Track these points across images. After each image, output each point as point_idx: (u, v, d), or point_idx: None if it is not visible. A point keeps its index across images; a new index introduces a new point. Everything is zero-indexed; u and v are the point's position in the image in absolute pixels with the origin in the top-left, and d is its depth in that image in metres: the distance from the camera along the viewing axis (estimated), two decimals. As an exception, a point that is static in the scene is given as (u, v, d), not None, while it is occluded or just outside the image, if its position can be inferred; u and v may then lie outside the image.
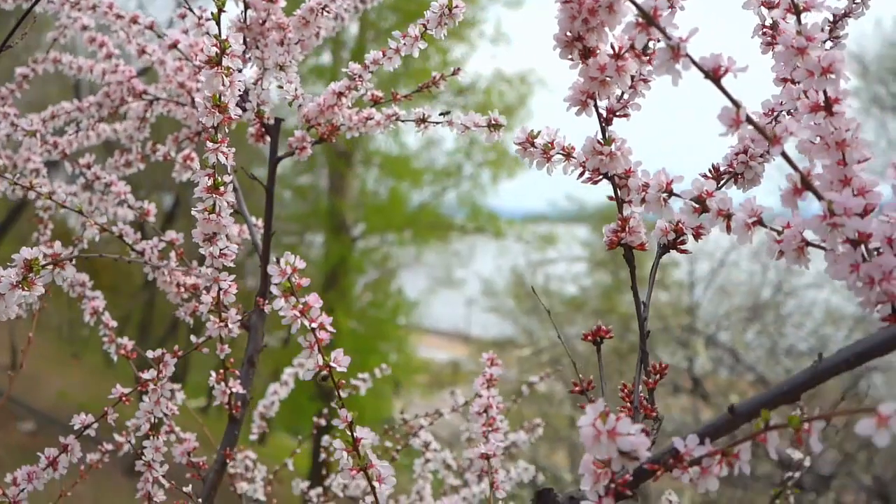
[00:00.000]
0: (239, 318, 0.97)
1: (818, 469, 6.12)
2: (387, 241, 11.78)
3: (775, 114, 0.74)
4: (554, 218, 11.05)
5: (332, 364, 0.68)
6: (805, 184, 0.55)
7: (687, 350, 6.31)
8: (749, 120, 0.54)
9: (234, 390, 1.03)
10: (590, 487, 0.58)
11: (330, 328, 0.68)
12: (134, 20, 1.17)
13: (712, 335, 6.44)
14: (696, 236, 0.72)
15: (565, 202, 10.85)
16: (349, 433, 0.70)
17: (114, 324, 1.16)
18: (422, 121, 1.02)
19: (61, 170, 1.39)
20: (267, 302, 1.03)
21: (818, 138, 0.59)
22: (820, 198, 0.55)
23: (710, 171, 0.74)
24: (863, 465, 6.18)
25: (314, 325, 0.67)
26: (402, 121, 1.04)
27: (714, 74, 0.54)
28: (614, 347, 8.07)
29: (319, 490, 1.47)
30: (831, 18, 0.76)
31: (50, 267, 0.70)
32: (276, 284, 0.66)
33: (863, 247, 0.56)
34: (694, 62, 0.54)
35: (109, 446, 1.21)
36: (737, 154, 0.73)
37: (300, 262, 0.67)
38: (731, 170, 0.74)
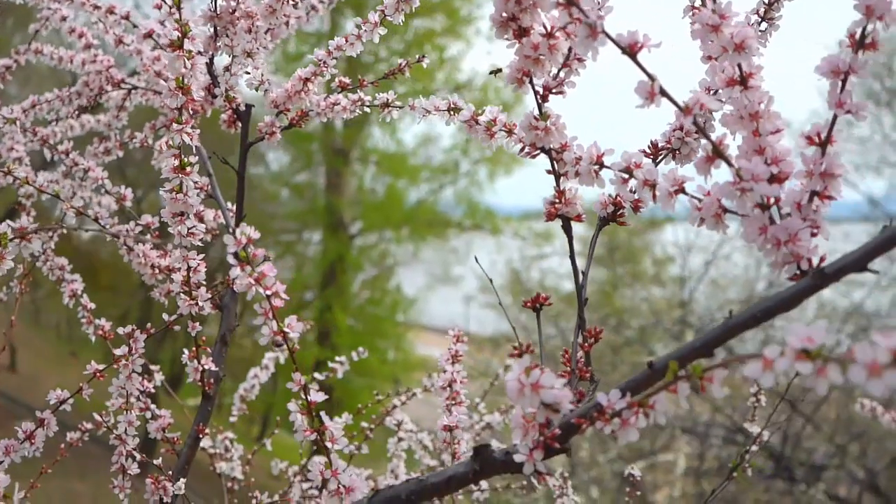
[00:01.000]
0: (209, 296, 1.01)
1: (811, 460, 6.17)
2: (384, 238, 11.82)
3: (711, 92, 0.77)
4: (550, 215, 11.05)
5: (286, 330, 0.72)
6: (716, 152, 0.59)
7: (680, 343, 6.35)
8: (663, 92, 0.57)
9: (206, 367, 1.07)
10: (520, 440, 0.61)
11: (284, 296, 0.72)
12: (110, 10, 1.21)
13: (704, 328, 6.48)
14: (636, 209, 0.76)
15: (562, 198, 10.83)
16: (304, 396, 0.74)
17: (92, 306, 1.20)
18: (385, 105, 1.06)
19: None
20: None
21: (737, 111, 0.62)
22: (730, 165, 0.58)
23: (648, 147, 0.78)
24: (854, 458, 6.22)
25: (269, 292, 0.71)
26: (368, 106, 1.07)
27: (630, 50, 0.58)
28: (608, 341, 8.12)
29: (296, 468, 1.51)
30: (766, 0, 0.80)
31: (17, 240, 0.74)
32: (231, 254, 0.70)
33: (775, 211, 0.60)
34: (611, 38, 0.57)
35: (89, 425, 1.25)
36: (674, 130, 0.77)
37: (255, 233, 0.71)
38: (668, 146, 0.77)
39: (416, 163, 11.68)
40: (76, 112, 1.32)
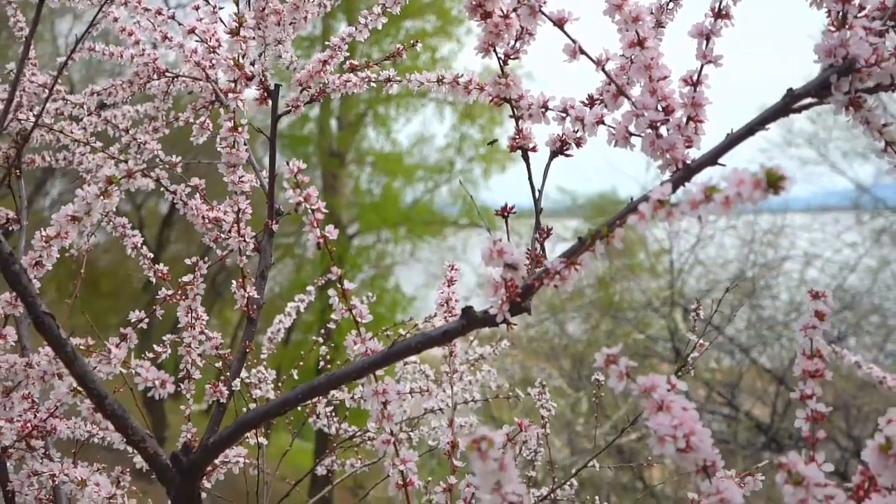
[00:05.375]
0: (254, 234, 1.27)
1: (798, 431, 6.45)
2: (382, 238, 12.08)
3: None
4: (546, 211, 11.33)
5: (326, 234, 0.98)
6: (619, 91, 0.86)
7: (669, 321, 6.64)
8: (582, 51, 0.84)
9: (251, 295, 1.34)
10: (491, 295, 0.88)
11: (324, 210, 0.98)
12: (158, 12, 1.47)
13: (692, 307, 6.77)
14: (577, 144, 1.02)
15: (557, 195, 11.16)
16: (339, 285, 1.00)
17: (150, 255, 1.46)
18: (388, 80, 1.33)
19: None
20: (275, 223, 1.33)
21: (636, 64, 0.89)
22: (629, 99, 0.85)
23: (587, 98, 1.05)
24: (840, 428, 6.51)
25: (314, 207, 0.97)
26: (373, 82, 1.34)
27: (559, 23, 0.85)
28: (608, 331, 8.42)
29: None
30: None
31: (126, 178, 1.00)
32: (286, 179, 0.96)
33: (664, 130, 0.87)
34: (545, 15, 0.84)
35: (150, 355, 1.51)
36: (604, 85, 1.04)
37: (302, 163, 0.97)
38: (600, 97, 1.04)
39: (411, 162, 11.96)
40: (129, 97, 1.59)
